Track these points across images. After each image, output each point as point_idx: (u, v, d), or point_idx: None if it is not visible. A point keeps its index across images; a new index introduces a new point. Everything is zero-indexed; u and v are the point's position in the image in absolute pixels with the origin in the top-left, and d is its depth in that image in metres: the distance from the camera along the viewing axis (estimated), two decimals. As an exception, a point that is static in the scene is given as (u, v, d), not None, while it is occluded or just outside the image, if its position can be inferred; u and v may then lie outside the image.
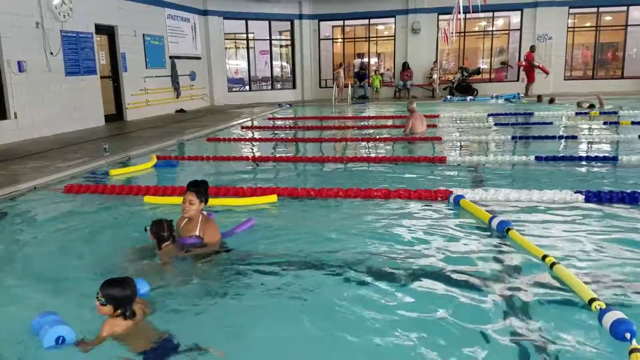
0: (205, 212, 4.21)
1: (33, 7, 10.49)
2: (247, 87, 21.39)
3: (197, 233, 3.96)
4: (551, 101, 15.51)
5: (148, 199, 5.55)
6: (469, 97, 18.62)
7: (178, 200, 5.39)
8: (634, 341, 2.48)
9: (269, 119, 14.71)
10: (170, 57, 16.31)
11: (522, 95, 18.22)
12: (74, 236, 4.54)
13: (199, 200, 3.95)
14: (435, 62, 20.01)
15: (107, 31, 13.34)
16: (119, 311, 2.69)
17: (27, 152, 8.78)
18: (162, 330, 2.75)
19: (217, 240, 4.02)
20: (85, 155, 8.28)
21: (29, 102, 10.41)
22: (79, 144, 9.69)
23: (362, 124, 12.90)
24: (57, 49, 11.17)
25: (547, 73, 18.81)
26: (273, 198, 5.41)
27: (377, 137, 10.32)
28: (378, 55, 22.89)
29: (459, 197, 5.11)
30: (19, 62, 10.09)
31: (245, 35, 20.74)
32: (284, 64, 22.82)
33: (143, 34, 14.73)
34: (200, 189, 3.99)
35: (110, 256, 3.92)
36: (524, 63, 19.01)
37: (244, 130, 12.36)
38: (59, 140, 10.22)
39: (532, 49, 18.91)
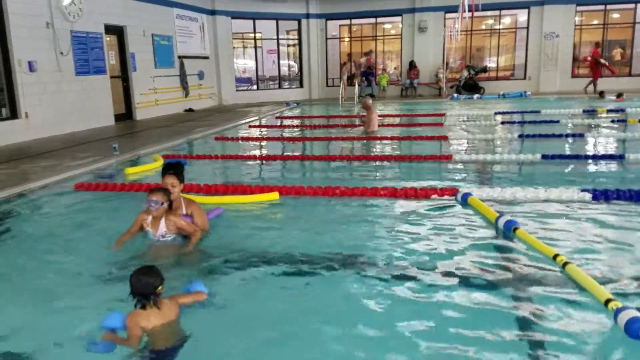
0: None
1: (43, 8, 10.60)
2: (255, 86, 21.48)
3: (183, 212, 4.08)
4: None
5: None
6: (476, 95, 18.60)
7: (187, 196, 5.50)
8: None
9: (277, 117, 14.77)
10: (179, 57, 16.42)
11: (529, 93, 18.17)
12: (83, 232, 4.61)
13: (180, 181, 4.12)
14: (444, 60, 19.99)
15: (117, 31, 13.46)
16: (135, 301, 2.65)
17: (37, 151, 8.89)
18: (184, 334, 2.71)
19: (206, 219, 4.19)
20: (95, 154, 8.38)
21: (40, 102, 10.53)
22: (88, 143, 9.80)
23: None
24: (67, 49, 11.29)
25: (613, 72, 18.72)
26: (275, 195, 5.44)
27: (382, 135, 10.36)
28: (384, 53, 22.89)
29: (466, 195, 5.13)
30: (29, 62, 10.21)
31: (252, 35, 20.82)
32: (291, 63, 22.88)
33: (152, 34, 14.84)
34: (177, 170, 4.14)
35: (120, 251, 3.99)
36: (589, 59, 18.83)
37: (251, 129, 12.43)
38: (69, 139, 10.34)
39: (597, 45, 18.78)
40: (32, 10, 10.35)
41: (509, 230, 4.19)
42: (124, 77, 13.78)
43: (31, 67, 10.25)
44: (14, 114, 10.11)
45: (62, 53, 11.11)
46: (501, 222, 4.31)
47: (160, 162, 7.63)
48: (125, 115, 13.83)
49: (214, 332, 2.84)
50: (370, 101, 10.94)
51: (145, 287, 2.63)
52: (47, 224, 5.01)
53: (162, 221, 3.95)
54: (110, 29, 13.04)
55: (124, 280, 2.89)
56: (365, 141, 9.89)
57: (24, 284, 3.57)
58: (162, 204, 3.88)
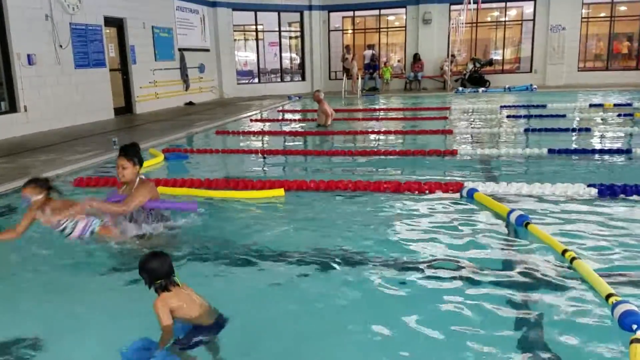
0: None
1: (42, 0, 10.47)
2: (256, 80, 21.32)
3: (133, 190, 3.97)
4: None
5: (161, 190, 5.53)
6: (481, 89, 18.44)
7: (189, 191, 5.45)
8: (638, 332, 2.45)
9: (279, 111, 14.65)
10: (179, 50, 16.27)
11: (536, 87, 17.99)
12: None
13: (132, 163, 3.99)
14: (448, 53, 19.80)
15: (116, 23, 13.32)
16: (149, 285, 2.58)
17: (36, 145, 8.80)
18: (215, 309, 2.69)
19: (137, 201, 3.92)
20: (94, 148, 8.28)
21: (39, 95, 10.42)
22: (88, 137, 9.70)
23: (372, 115, 12.79)
24: (66, 41, 11.16)
25: None
26: (280, 192, 5.36)
27: (385, 129, 10.23)
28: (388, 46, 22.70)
29: (472, 191, 5.03)
30: (28, 55, 10.10)
31: (254, 27, 20.64)
32: (294, 55, 22.70)
33: (152, 26, 14.69)
34: (128, 151, 4.02)
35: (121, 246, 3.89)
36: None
37: (253, 122, 12.31)
38: (68, 133, 10.24)
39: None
40: (32, 3, 10.23)
41: (521, 225, 4.12)
42: (123, 70, 13.65)
43: (30, 60, 10.14)
44: (13, 108, 10.01)
45: (61, 46, 10.99)
46: (513, 217, 4.24)
47: (160, 158, 7.53)
48: (125, 108, 13.72)
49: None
50: (322, 95, 10.86)
51: (169, 266, 2.59)
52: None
53: (48, 212, 3.82)
54: (109, 21, 12.90)
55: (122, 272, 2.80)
56: (318, 136, 9.87)
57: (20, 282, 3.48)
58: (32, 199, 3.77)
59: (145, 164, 7.13)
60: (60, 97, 10.99)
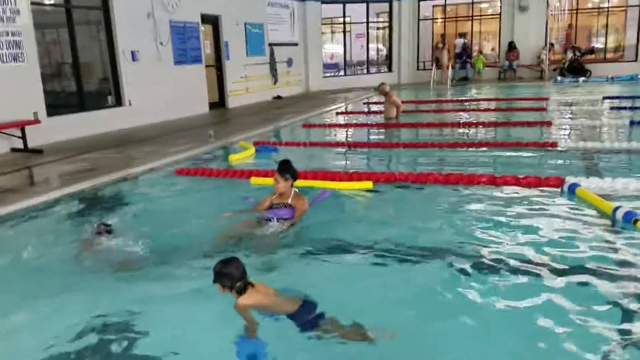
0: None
1: (145, -1, 11.15)
2: (342, 72, 21.36)
3: (289, 202, 4.37)
4: None
5: (254, 180, 5.77)
6: (581, 79, 17.28)
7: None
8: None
9: (364, 103, 14.60)
10: (270, 45, 16.67)
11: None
12: (186, 215, 4.78)
13: (283, 177, 4.36)
14: (546, 41, 18.70)
15: (212, 21, 13.89)
16: (230, 289, 2.73)
17: (140, 137, 9.41)
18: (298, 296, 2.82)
19: (305, 208, 4.44)
20: (192, 140, 8.71)
21: (141, 90, 11.11)
22: (185, 130, 10.22)
23: (463, 106, 12.40)
24: (166, 39, 11.81)
25: None
26: (368, 184, 5.36)
27: (479, 121, 9.88)
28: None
29: (574, 186, 4.74)
30: (132, 52, 10.80)
31: (341, 20, 20.67)
32: (380, 46, 22.48)
33: (245, 23, 15.16)
34: (281, 168, 4.41)
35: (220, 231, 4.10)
36: None
37: (338, 115, 12.36)
38: (167, 126, 10.84)
39: None
40: (135, 2, 10.90)
41: (629, 222, 3.86)
42: (217, 65, 14.22)
43: (134, 56, 10.83)
44: (118, 102, 10.76)
45: (161, 43, 11.64)
46: (620, 214, 3.98)
47: (252, 150, 7.76)
48: (218, 103, 14.29)
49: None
50: (388, 87, 10.53)
51: (243, 269, 2.77)
52: (153, 206, 5.26)
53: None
54: (206, 19, 13.48)
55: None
56: (384, 129, 9.65)
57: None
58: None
59: (237, 156, 7.48)
60: (160, 92, 11.65)
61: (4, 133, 7.91)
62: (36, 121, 8.36)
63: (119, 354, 2.64)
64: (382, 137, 9.19)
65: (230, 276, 2.72)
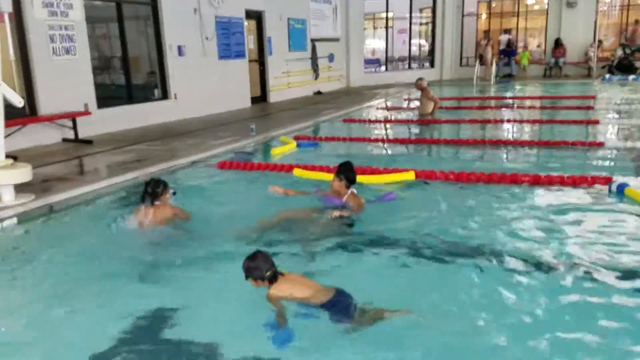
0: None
1: (191, -6, 11.38)
2: (383, 68, 21.23)
3: (343, 200, 4.45)
4: None
5: (297, 171, 5.85)
6: (631, 77, 16.64)
7: (321, 175, 5.65)
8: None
9: (405, 99, 14.49)
10: (311, 40, 16.74)
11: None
12: (231, 207, 4.92)
13: (338, 179, 4.49)
14: (595, 38, 18.08)
15: (256, 16, 14.06)
16: (262, 280, 2.83)
17: (184, 130, 9.64)
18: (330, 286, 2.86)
19: (358, 209, 4.46)
20: (234, 134, 8.87)
21: (186, 84, 11.37)
22: (229, 124, 10.40)
23: (506, 103, 12.16)
24: (211, 34, 12.03)
25: None
26: (410, 175, 5.36)
27: (521, 118, 9.68)
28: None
29: (622, 186, 4.61)
30: (179, 47, 11.05)
31: (384, 15, 20.53)
32: (422, 42, 22.21)
33: (287, 18, 15.27)
34: (339, 169, 4.54)
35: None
36: None
37: (378, 110, 12.32)
38: (210, 120, 11.06)
39: None
40: (182, -2, 11.16)
41: None
42: (260, 60, 14.39)
43: (180, 51, 11.09)
44: (165, 95, 11.05)
45: (207, 38, 11.86)
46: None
47: (293, 144, 7.84)
48: (260, 97, 14.46)
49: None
50: (425, 82, 10.29)
51: (270, 261, 2.88)
52: (198, 197, 5.36)
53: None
54: (250, 14, 13.65)
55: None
56: (418, 124, 9.55)
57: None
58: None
59: (278, 150, 7.57)
60: (204, 86, 11.89)
61: (56, 124, 8.27)
62: (87, 112, 8.70)
63: (165, 339, 2.77)
64: (423, 133, 9.12)
65: (259, 268, 2.82)
